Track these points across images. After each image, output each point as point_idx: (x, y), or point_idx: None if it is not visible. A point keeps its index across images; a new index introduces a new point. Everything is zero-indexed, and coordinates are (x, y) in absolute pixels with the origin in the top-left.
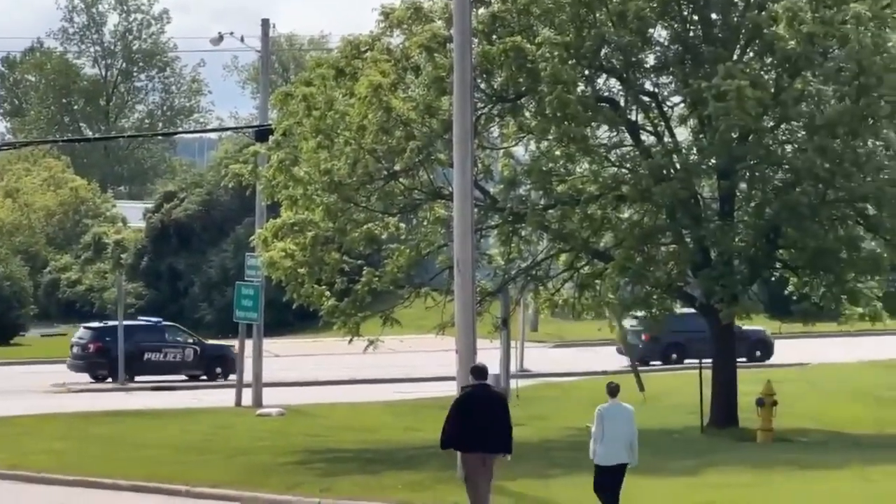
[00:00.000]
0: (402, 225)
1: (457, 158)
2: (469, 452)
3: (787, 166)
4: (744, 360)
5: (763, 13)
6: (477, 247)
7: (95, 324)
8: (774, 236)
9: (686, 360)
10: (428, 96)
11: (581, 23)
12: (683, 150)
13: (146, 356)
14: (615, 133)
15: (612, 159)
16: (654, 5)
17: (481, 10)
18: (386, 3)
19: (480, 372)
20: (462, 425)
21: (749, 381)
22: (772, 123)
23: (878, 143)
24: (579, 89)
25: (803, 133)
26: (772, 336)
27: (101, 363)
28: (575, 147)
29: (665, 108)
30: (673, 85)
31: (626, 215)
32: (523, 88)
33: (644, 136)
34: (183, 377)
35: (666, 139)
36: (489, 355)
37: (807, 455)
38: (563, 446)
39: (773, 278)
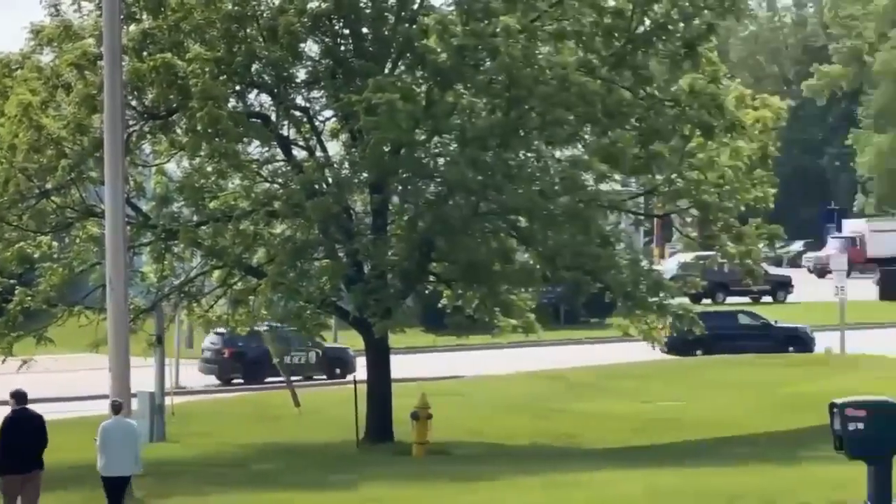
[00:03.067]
0: (55, 244)
1: (108, 176)
2: (10, 475)
3: (439, 179)
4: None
5: (414, 26)
6: (130, 264)
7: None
8: (428, 249)
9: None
10: (79, 114)
11: (232, 38)
12: (335, 165)
13: None
14: (267, 148)
15: (265, 175)
16: (305, 20)
17: (132, 27)
18: (36, 22)
19: (21, 397)
20: (5, 449)
21: (406, 395)
22: (424, 136)
23: (529, 154)
24: (230, 105)
25: (455, 146)
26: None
27: None
28: (227, 163)
29: (317, 123)
30: (324, 99)
31: (278, 231)
32: (174, 105)
33: (296, 151)
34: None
35: (318, 154)
36: (144, 373)
37: (461, 467)
38: (220, 462)
39: (426, 291)
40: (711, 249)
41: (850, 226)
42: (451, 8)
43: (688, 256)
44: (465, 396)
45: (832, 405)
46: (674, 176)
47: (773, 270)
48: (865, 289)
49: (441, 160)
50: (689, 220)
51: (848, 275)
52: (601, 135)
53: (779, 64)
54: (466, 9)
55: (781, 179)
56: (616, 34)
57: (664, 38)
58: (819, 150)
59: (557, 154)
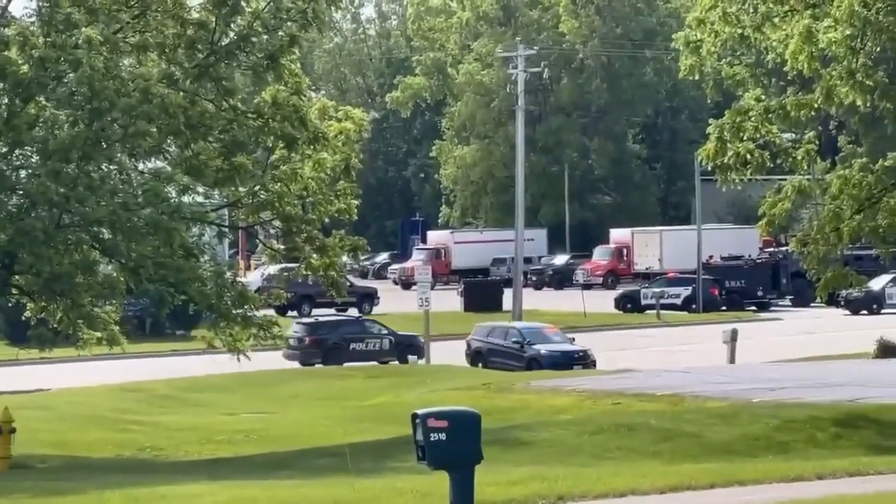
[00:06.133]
0: None
1: None
2: None
3: (21, 192)
4: None
5: None
6: None
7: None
8: (10, 262)
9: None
10: None
11: None
12: None
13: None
14: None
15: None
16: None
17: None
18: None
19: None
20: None
21: None
22: (5, 149)
23: (111, 167)
24: None
25: (37, 158)
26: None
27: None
28: None
29: None
30: None
31: None
32: None
33: None
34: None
35: None
36: None
37: (45, 482)
38: None
39: (10, 304)
40: (296, 261)
41: (435, 237)
42: (33, 19)
43: (273, 268)
44: (49, 409)
45: (414, 416)
46: (257, 188)
47: (359, 282)
48: (450, 300)
49: (23, 172)
50: (273, 231)
51: (432, 286)
52: (184, 147)
53: (363, 76)
54: (48, 20)
55: (366, 191)
56: (199, 46)
57: (247, 50)
58: (403, 162)
59: (140, 166)
